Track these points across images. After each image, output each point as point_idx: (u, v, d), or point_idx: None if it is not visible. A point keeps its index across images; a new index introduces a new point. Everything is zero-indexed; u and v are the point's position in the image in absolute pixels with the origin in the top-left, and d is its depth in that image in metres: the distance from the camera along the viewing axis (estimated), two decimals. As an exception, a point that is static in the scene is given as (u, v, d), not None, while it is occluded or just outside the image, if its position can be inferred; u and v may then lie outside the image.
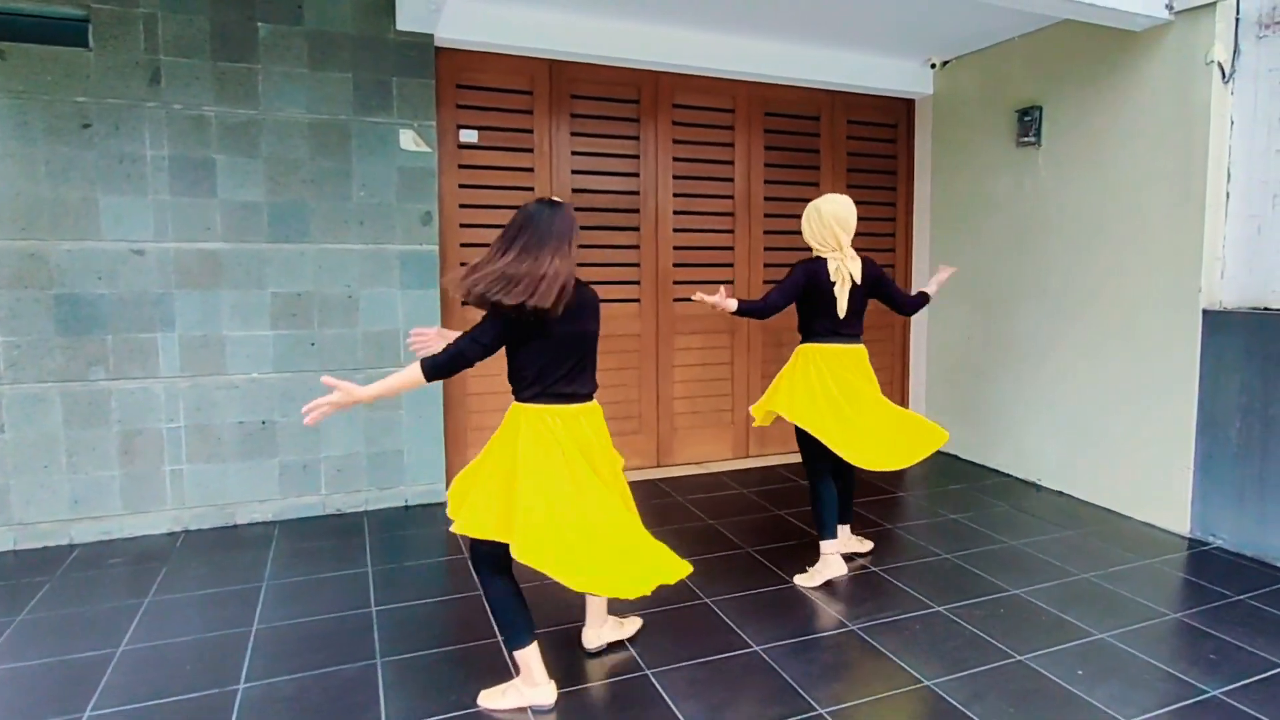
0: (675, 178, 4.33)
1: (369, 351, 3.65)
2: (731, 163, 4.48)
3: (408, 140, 3.62)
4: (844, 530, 3.23)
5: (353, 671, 2.33)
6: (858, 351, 3.06)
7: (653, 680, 2.29)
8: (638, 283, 4.31)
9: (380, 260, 3.64)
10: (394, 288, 3.67)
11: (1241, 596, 2.87)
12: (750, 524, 3.62)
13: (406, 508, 3.77)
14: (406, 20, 3.50)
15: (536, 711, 2.16)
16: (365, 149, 3.56)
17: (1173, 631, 2.61)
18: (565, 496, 2.02)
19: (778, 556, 3.22)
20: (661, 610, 2.72)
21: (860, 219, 4.74)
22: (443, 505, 3.76)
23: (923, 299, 3.29)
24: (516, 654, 2.17)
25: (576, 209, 4.12)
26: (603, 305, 4.39)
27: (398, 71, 3.58)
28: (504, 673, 2.31)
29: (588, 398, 2.23)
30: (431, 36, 3.62)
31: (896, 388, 5.12)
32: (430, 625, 2.62)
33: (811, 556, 3.09)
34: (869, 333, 3.29)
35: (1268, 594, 2.89)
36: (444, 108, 3.82)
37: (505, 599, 2.16)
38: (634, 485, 4.11)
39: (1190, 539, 3.45)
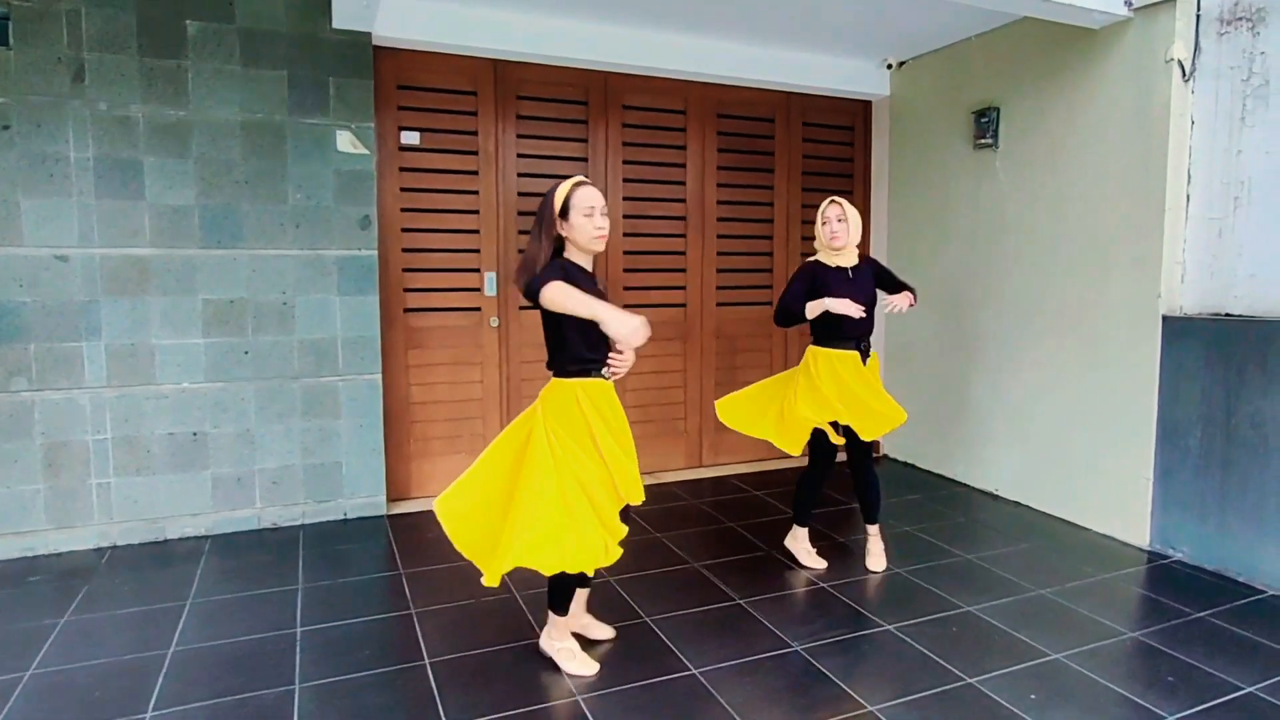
0: (625, 181, 4.23)
1: (306, 360, 3.54)
2: (683, 165, 4.39)
3: (345, 142, 3.52)
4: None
5: (270, 698, 2.21)
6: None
7: (583, 706, 2.18)
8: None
9: (317, 266, 3.52)
10: (331, 294, 3.55)
11: (1201, 614, 2.77)
12: (699, 537, 3.51)
13: (345, 521, 3.65)
14: (342, 18, 3.40)
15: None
16: (301, 151, 3.45)
17: (1130, 652, 2.51)
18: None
19: (725, 572, 3.10)
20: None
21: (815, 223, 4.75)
22: (382, 518, 3.71)
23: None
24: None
25: (521, 213, 4.05)
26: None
27: (334, 71, 3.48)
28: (428, 702, 2.19)
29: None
30: (369, 35, 3.52)
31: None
32: (357, 647, 2.50)
33: (762, 569, 2.99)
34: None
35: (1228, 611, 2.80)
36: (385, 109, 3.72)
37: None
38: None
39: (1150, 552, 3.35)
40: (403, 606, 2.78)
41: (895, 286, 3.11)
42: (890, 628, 2.64)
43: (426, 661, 2.41)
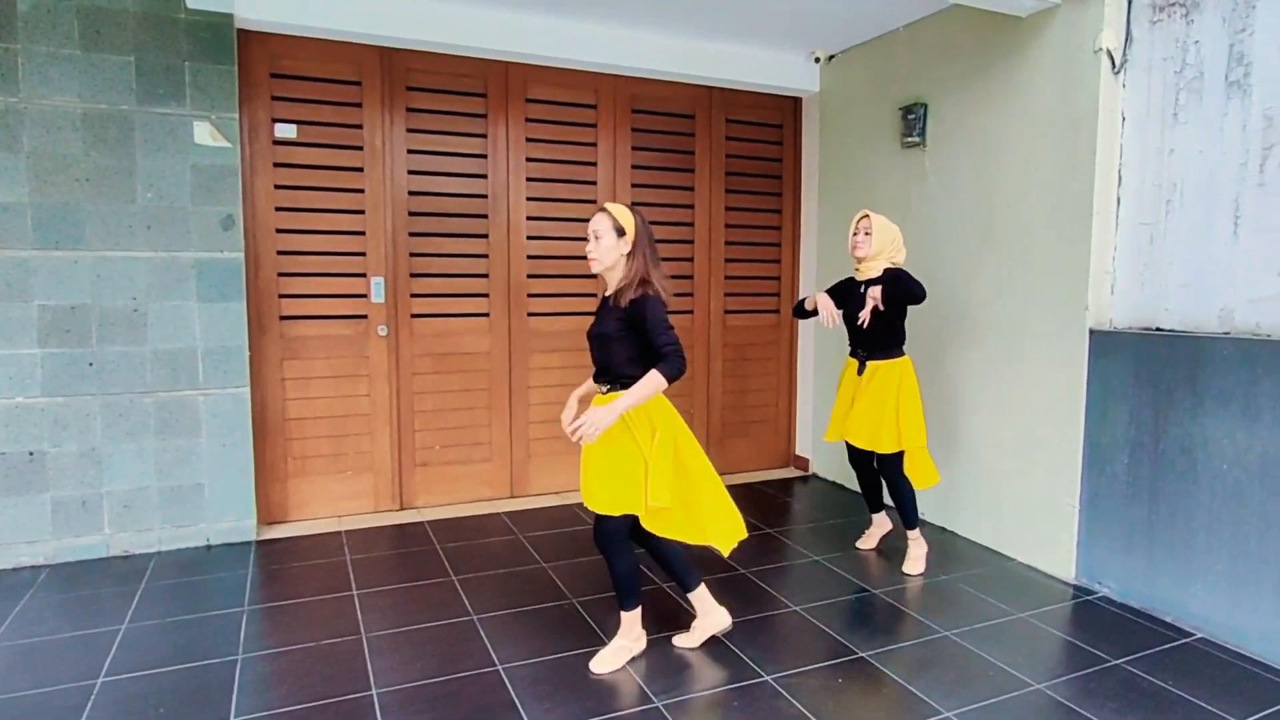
0: (529, 180, 3.93)
1: (161, 372, 3.23)
2: (594, 164, 4.09)
3: (204, 134, 3.21)
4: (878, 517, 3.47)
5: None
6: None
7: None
8: (486, 295, 3.90)
9: (172, 270, 3.22)
10: (190, 300, 3.25)
11: (1119, 661, 2.51)
12: (589, 568, 3.21)
13: (209, 548, 3.35)
14: (198, -3, 3.10)
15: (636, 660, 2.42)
16: (152, 144, 3.15)
17: (1034, 709, 2.23)
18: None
19: (601, 611, 2.81)
20: (443, 680, 2.32)
21: (743, 226, 4.51)
22: (250, 544, 3.41)
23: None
24: (626, 615, 2.45)
25: (412, 214, 3.75)
26: (446, 321, 3.86)
27: (191, 56, 3.17)
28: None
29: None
30: (230, 16, 3.21)
31: (784, 409, 4.78)
32: (157, 702, 2.19)
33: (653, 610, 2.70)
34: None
35: (1148, 658, 2.53)
36: (256, 99, 3.41)
37: (629, 568, 2.42)
38: (480, 519, 3.81)
39: (1075, 586, 3.09)
40: (229, 651, 2.48)
41: (893, 297, 3.05)
42: (769, 678, 2.35)
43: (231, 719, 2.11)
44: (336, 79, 3.55)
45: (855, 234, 3.07)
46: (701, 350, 4.49)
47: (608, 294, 2.40)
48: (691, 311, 4.43)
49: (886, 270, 3.05)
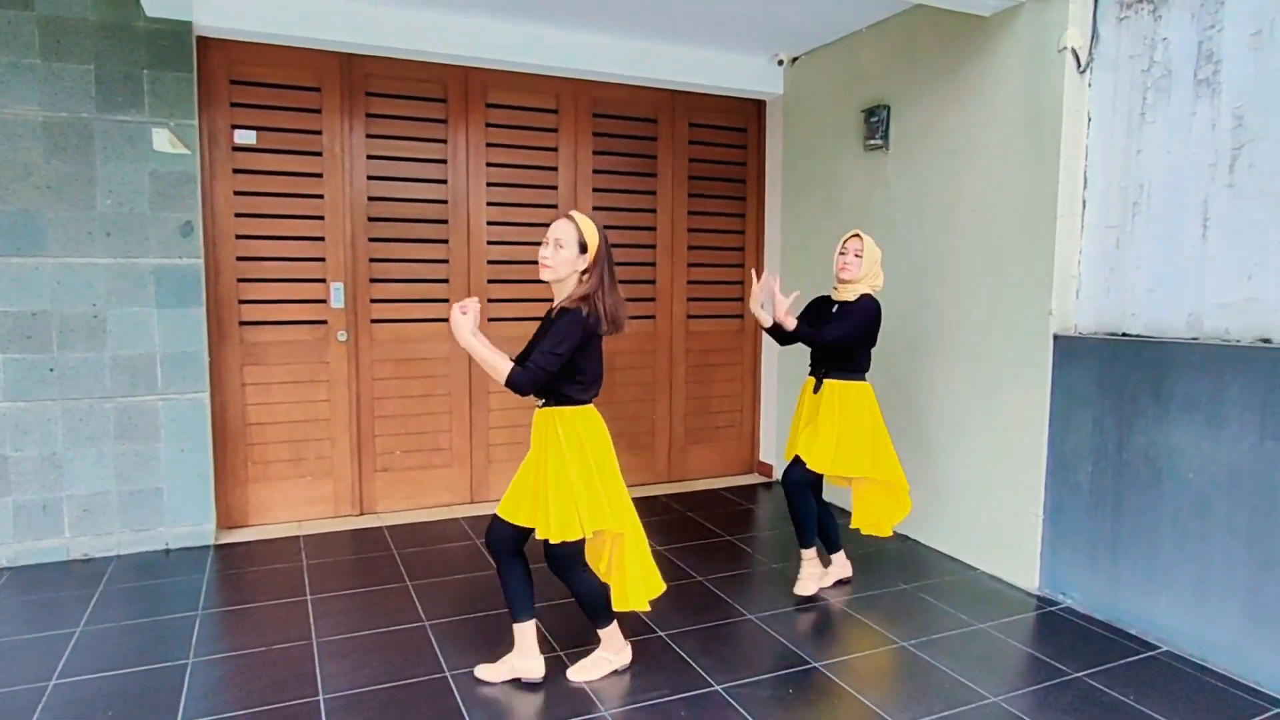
0: (490, 185, 3.92)
1: (120, 378, 3.26)
2: (555, 169, 4.07)
3: (162, 141, 3.24)
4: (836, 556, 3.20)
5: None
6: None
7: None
8: (446, 300, 3.89)
9: (131, 276, 3.25)
10: (149, 306, 3.27)
11: (1080, 674, 2.43)
12: (547, 575, 3.15)
13: (168, 552, 3.37)
14: (155, 5, 3.12)
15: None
16: (112, 151, 3.18)
17: (987, 722, 2.16)
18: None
19: (555, 620, 2.75)
20: (391, 686, 2.30)
21: (706, 231, 4.49)
22: (208, 549, 3.41)
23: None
24: (605, 631, 2.40)
25: (371, 219, 3.76)
26: (406, 326, 3.86)
27: (149, 63, 3.20)
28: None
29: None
30: (189, 24, 3.24)
31: (747, 415, 4.72)
32: (107, 704, 2.20)
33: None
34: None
35: (1111, 671, 2.45)
36: (215, 105, 3.44)
37: (595, 587, 2.36)
38: (439, 525, 3.79)
39: (1039, 597, 3.00)
40: (181, 655, 2.49)
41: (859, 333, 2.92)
42: (719, 688, 2.30)
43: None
44: (296, 85, 3.57)
45: (843, 253, 2.88)
46: (664, 356, 4.45)
47: (551, 309, 2.27)
48: (654, 317, 4.39)
49: (863, 296, 2.87)
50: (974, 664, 2.48)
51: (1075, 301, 3.00)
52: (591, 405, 2.28)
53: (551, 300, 2.30)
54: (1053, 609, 2.91)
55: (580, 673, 2.38)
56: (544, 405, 2.26)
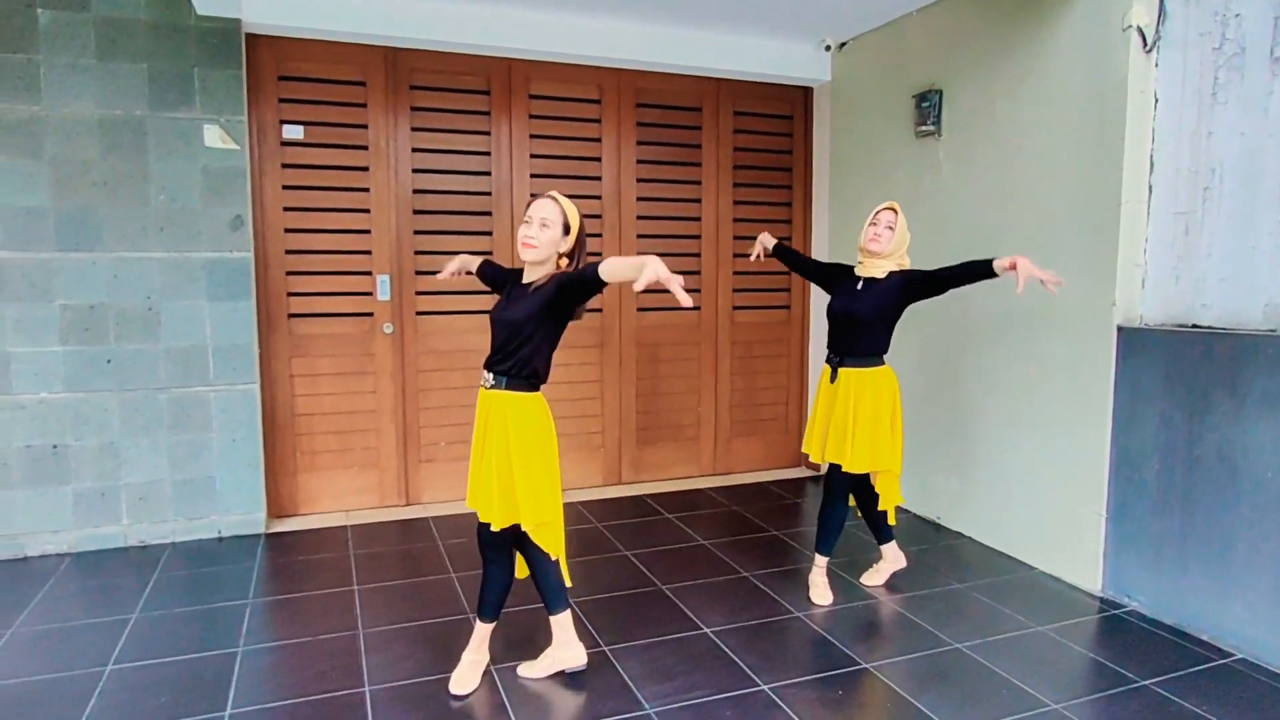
0: (533, 176, 3.90)
1: (173, 369, 3.33)
2: (599, 159, 4.04)
3: (213, 137, 3.29)
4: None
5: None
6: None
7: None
8: (490, 292, 3.87)
9: (184, 270, 3.31)
10: (200, 299, 3.34)
11: (1148, 682, 2.31)
12: (592, 567, 3.15)
13: (219, 539, 3.44)
14: (206, 4, 3.17)
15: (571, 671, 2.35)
16: (164, 148, 3.24)
17: (1047, 731, 2.08)
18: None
19: (595, 611, 2.74)
20: (435, 679, 2.30)
21: (752, 221, 4.41)
22: (259, 537, 3.48)
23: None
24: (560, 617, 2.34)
25: (417, 212, 3.78)
26: (451, 318, 3.91)
27: (200, 62, 3.26)
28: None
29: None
30: (238, 22, 3.29)
31: (794, 407, 4.63)
32: (159, 691, 2.24)
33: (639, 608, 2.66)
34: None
35: (1181, 679, 2.33)
36: (264, 102, 3.49)
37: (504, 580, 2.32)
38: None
39: (1102, 599, 2.88)
40: (231, 643, 2.53)
41: (919, 282, 2.72)
42: (765, 687, 2.25)
43: (226, 712, 2.14)
44: (342, 80, 3.60)
45: (874, 224, 2.74)
46: (709, 347, 4.40)
47: (525, 281, 2.20)
48: (698, 308, 4.33)
49: (892, 274, 2.73)
50: (1033, 668, 2.38)
51: (1140, 292, 2.87)
52: (540, 393, 2.23)
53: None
54: (1117, 612, 2.79)
55: (528, 670, 2.35)
56: (493, 386, 2.17)
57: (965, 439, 3.49)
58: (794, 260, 3.15)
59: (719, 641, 2.53)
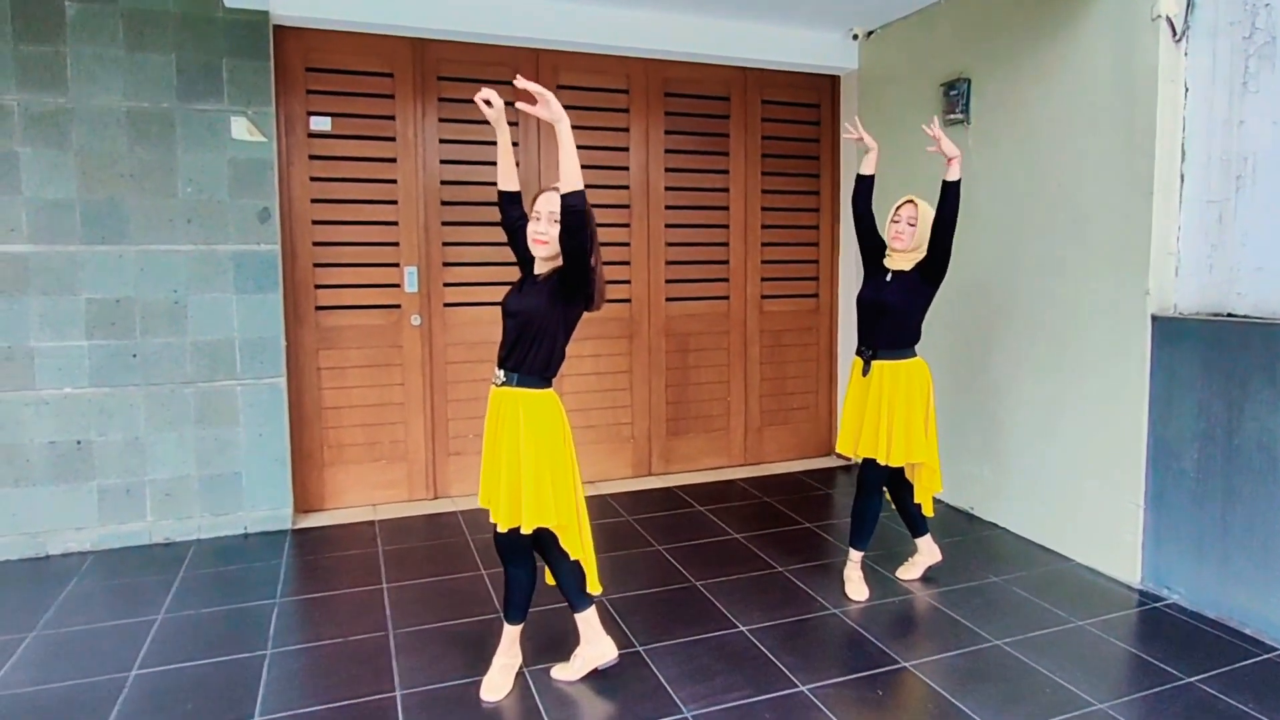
0: (560, 168, 3.88)
1: (200, 363, 3.30)
2: (626, 149, 4.01)
3: (241, 129, 3.26)
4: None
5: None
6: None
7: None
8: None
9: (211, 262, 3.28)
10: (228, 292, 3.30)
11: (1193, 679, 2.28)
12: (623, 563, 3.12)
13: (246, 536, 3.40)
14: (234, -5, 3.14)
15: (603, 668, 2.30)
16: (192, 139, 3.21)
17: (1096, 732, 2.05)
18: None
19: (629, 609, 2.70)
20: (468, 682, 2.27)
21: (779, 210, 4.39)
22: (286, 533, 3.43)
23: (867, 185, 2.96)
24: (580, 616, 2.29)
25: (444, 203, 3.75)
26: (479, 309, 3.90)
27: (229, 53, 3.22)
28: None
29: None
30: (266, 14, 3.26)
31: (824, 397, 4.61)
32: (185, 698, 2.19)
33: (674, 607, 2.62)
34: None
35: (1227, 675, 2.30)
36: (292, 93, 3.46)
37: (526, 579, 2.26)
38: None
39: (1141, 592, 2.86)
40: (259, 646, 2.47)
41: (926, 264, 2.72)
42: (805, 688, 2.21)
43: (255, 718, 2.10)
44: (369, 71, 3.57)
45: (896, 221, 2.72)
46: (739, 337, 4.37)
47: (537, 272, 2.16)
48: (727, 298, 4.31)
49: (917, 265, 2.72)
50: (1076, 665, 2.35)
51: (1174, 280, 2.85)
52: (553, 390, 2.17)
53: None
54: (1158, 605, 2.76)
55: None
56: (503, 383, 2.12)
57: (999, 429, 3.47)
58: (861, 207, 2.92)
59: (755, 640, 2.50)
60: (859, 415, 2.81)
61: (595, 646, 2.28)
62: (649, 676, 2.29)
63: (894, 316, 2.71)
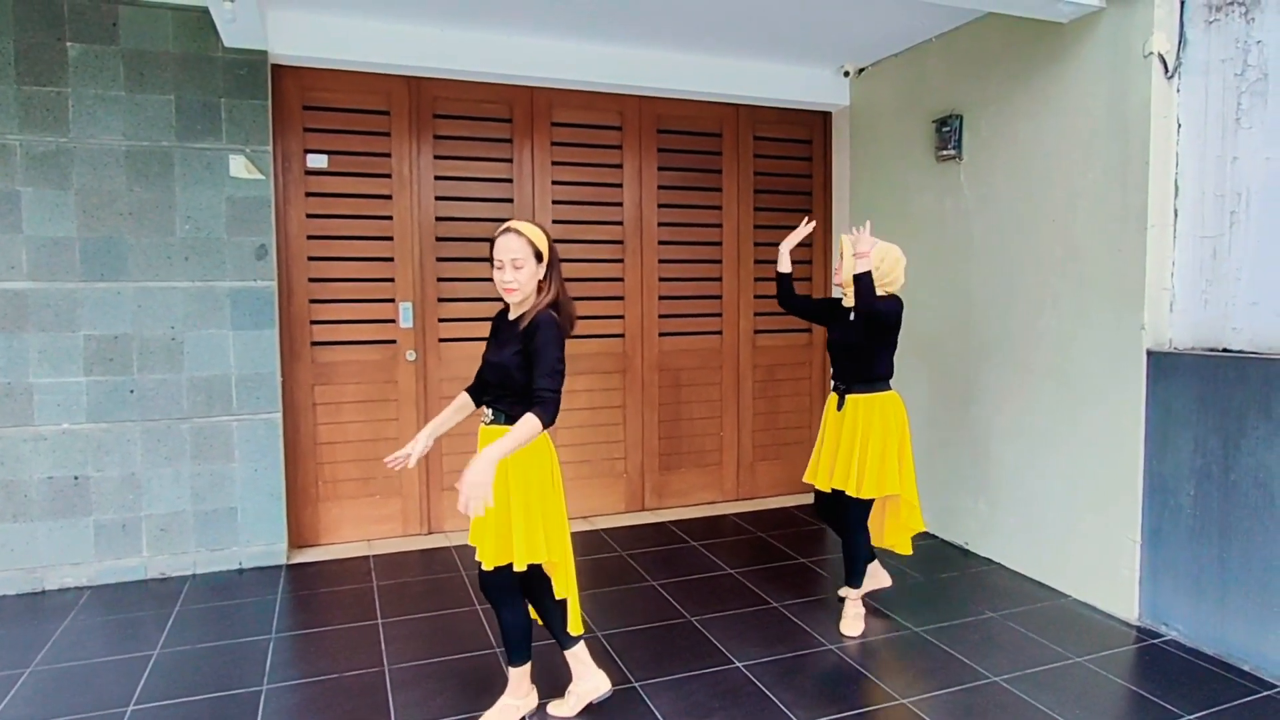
0: (555, 203, 3.92)
1: (196, 399, 3.32)
2: (620, 185, 4.06)
3: (239, 167, 3.31)
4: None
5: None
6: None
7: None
8: (513, 319, 3.89)
9: (208, 299, 3.31)
10: (224, 328, 3.33)
11: (1192, 716, 2.27)
12: (613, 599, 3.11)
13: (241, 571, 3.40)
14: (233, 36, 3.19)
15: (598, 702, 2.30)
16: (191, 177, 3.26)
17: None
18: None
19: (627, 644, 2.70)
20: (465, 718, 2.25)
21: (772, 245, 4.35)
22: (281, 568, 3.43)
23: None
24: (514, 670, 2.26)
25: (439, 239, 3.79)
26: (473, 345, 3.92)
27: (227, 92, 3.28)
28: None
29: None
30: (265, 54, 3.31)
31: (817, 431, 4.55)
32: None
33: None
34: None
35: (1225, 713, 2.28)
36: (289, 131, 3.51)
37: (521, 620, 2.24)
38: None
39: (1139, 628, 2.84)
40: (255, 681, 2.48)
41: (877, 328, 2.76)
42: None
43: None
44: (366, 109, 3.63)
45: (842, 258, 2.77)
46: (731, 371, 4.39)
47: (511, 316, 2.19)
48: (720, 332, 4.33)
49: (880, 299, 2.71)
50: (1074, 702, 2.33)
51: (1169, 315, 2.86)
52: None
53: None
54: (1155, 641, 2.75)
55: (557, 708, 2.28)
56: (491, 421, 2.14)
57: (994, 462, 3.46)
58: (794, 303, 3.02)
59: (751, 676, 2.49)
60: (832, 447, 2.84)
61: (588, 681, 2.28)
62: (646, 713, 2.28)
63: (861, 353, 2.76)
